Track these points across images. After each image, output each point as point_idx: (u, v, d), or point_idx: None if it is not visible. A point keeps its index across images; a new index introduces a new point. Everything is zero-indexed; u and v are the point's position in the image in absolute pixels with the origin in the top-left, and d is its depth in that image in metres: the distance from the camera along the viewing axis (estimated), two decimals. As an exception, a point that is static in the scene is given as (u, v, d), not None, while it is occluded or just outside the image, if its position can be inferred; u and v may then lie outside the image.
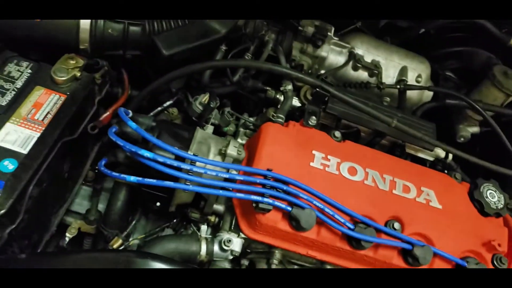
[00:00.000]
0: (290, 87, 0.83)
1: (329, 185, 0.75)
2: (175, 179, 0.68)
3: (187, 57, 0.84)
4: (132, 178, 0.66)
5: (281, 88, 0.84)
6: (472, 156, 0.89)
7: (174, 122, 0.87)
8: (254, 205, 0.70)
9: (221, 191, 0.68)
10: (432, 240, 0.77)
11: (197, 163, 0.69)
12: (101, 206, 0.92)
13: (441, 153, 0.98)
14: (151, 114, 0.88)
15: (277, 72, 0.78)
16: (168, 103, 0.89)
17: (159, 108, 0.88)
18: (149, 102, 0.94)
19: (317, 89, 0.78)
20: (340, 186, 0.76)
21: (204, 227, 0.78)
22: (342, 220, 0.71)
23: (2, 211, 0.61)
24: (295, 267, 0.85)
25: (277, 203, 0.70)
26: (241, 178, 0.70)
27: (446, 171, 0.91)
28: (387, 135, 0.91)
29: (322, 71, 1.05)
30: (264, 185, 0.70)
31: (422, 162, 0.96)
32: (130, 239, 0.88)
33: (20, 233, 0.68)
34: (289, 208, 0.70)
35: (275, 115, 0.79)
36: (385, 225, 0.75)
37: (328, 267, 0.81)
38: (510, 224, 0.87)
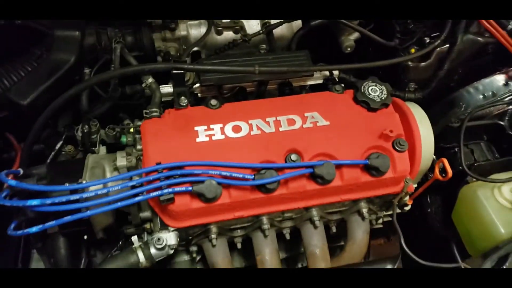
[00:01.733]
0: (150, 79, 0.86)
1: (221, 151, 0.79)
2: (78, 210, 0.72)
3: (52, 97, 0.85)
4: (34, 229, 0.69)
5: (143, 85, 0.86)
6: (346, 65, 0.95)
7: (69, 160, 0.89)
8: (160, 200, 0.74)
9: (119, 203, 0.71)
10: (332, 154, 0.82)
11: (91, 188, 0.73)
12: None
13: (327, 73, 1.03)
14: (48, 161, 0.90)
15: (130, 73, 0.81)
16: (58, 144, 0.91)
17: (53, 153, 0.90)
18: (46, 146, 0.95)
19: (172, 71, 0.81)
20: (231, 147, 0.80)
21: (134, 238, 0.82)
22: (241, 176, 0.76)
23: None
24: (238, 232, 0.90)
25: (176, 188, 0.74)
26: (133, 182, 0.74)
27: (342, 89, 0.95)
28: (266, 80, 0.95)
29: (195, 49, 1.08)
30: (159, 179, 0.74)
31: (318, 88, 1.01)
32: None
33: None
34: (190, 188, 0.74)
35: (147, 111, 0.82)
36: (285, 161, 0.80)
37: (264, 219, 0.86)
38: (399, 104, 0.92)
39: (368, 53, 1.22)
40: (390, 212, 1.04)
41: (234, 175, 0.76)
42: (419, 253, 0.90)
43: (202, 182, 0.75)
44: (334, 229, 0.96)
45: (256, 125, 0.82)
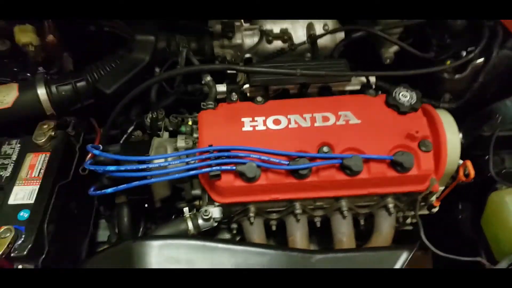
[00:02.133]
0: (208, 78, 1.02)
1: (262, 139, 0.93)
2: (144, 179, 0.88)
3: (129, 88, 1.04)
4: (109, 190, 0.86)
5: (202, 82, 1.02)
6: (380, 72, 1.05)
7: (139, 141, 1.07)
8: (209, 175, 0.89)
9: (176, 175, 0.87)
10: (361, 149, 0.93)
11: (155, 160, 0.89)
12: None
13: (363, 79, 1.13)
14: (121, 142, 1.08)
15: (192, 71, 0.98)
16: (130, 129, 1.09)
17: (125, 136, 1.09)
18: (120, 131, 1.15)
19: (227, 70, 0.96)
20: (271, 137, 0.93)
21: (186, 209, 0.97)
22: (277, 161, 0.89)
23: (29, 246, 0.83)
24: (274, 215, 1.02)
25: (223, 167, 0.88)
26: (189, 159, 0.89)
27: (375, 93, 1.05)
28: (307, 83, 1.08)
29: (247, 55, 1.24)
30: (210, 158, 0.89)
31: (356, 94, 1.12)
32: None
33: (52, 262, 0.89)
34: (234, 167, 0.88)
35: (204, 103, 0.98)
36: (317, 152, 0.92)
37: (297, 205, 0.98)
38: (429, 110, 1.01)
39: (406, 65, 1.31)
40: (419, 213, 1.11)
41: (272, 160, 0.89)
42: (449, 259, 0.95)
43: (244, 164, 0.88)
44: (362, 222, 1.05)
45: (294, 119, 0.95)
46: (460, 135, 1.01)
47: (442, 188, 1.05)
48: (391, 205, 1.00)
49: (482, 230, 1.10)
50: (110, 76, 1.03)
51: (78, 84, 1.04)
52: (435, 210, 1.09)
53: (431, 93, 1.21)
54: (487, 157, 1.09)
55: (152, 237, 0.87)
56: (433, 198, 1.04)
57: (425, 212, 1.11)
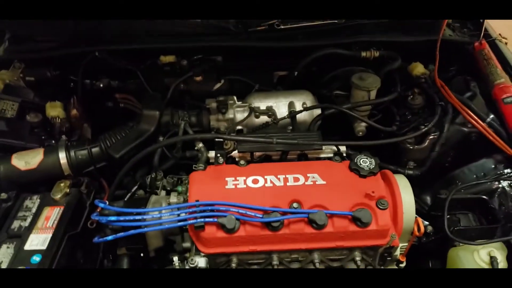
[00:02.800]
0: (200, 144, 1.22)
1: (242, 196, 1.09)
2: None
3: (134, 154, 1.25)
4: (109, 237, 1.02)
5: (195, 148, 1.23)
6: (344, 142, 1.25)
7: (139, 198, 1.25)
8: (194, 226, 1.05)
9: (167, 225, 1.03)
10: (325, 205, 1.08)
11: (150, 213, 1.06)
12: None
13: (335, 148, 1.32)
14: (125, 199, 1.26)
15: (187, 139, 1.19)
16: (134, 189, 1.28)
17: (129, 194, 1.27)
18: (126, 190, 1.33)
19: (216, 139, 1.17)
20: (249, 194, 1.10)
21: (175, 258, 1.11)
22: (253, 214, 1.05)
23: None
24: (255, 267, 1.15)
25: (206, 219, 1.04)
26: (178, 212, 1.06)
27: (340, 159, 1.24)
28: (286, 151, 1.27)
29: (239, 127, 1.45)
30: (196, 212, 1.06)
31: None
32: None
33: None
34: (215, 220, 1.04)
35: (196, 166, 1.17)
36: (289, 207, 1.08)
37: (274, 257, 1.11)
38: (387, 174, 1.17)
39: (377, 137, 1.50)
40: (388, 267, 1.22)
41: (248, 213, 1.05)
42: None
43: (225, 216, 1.04)
44: (334, 275, 1.17)
45: (270, 179, 1.12)
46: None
47: (405, 244, 1.18)
48: (358, 258, 1.12)
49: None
50: (120, 143, 1.25)
51: (93, 150, 1.25)
52: (402, 265, 1.20)
53: (397, 161, 1.40)
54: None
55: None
56: (397, 253, 1.16)
57: (394, 267, 1.22)
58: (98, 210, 1.12)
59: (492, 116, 1.30)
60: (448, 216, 1.21)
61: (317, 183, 1.12)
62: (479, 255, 1.10)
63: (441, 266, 1.29)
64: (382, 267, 1.19)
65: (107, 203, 1.14)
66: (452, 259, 1.15)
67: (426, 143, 1.35)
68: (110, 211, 1.10)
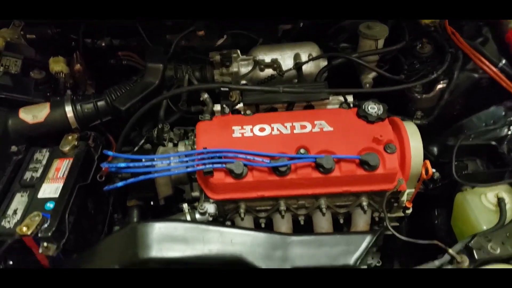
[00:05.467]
0: (206, 95, 1.21)
1: (249, 144, 1.09)
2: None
3: (140, 107, 1.24)
4: (119, 184, 1.04)
5: (201, 98, 1.22)
6: (354, 89, 1.23)
7: (147, 149, 1.25)
8: (203, 172, 1.06)
9: (176, 171, 1.04)
10: (332, 151, 1.08)
11: (160, 160, 1.07)
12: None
13: (342, 99, 1.31)
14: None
15: (192, 90, 1.18)
16: (141, 142, 1.28)
17: (136, 148, 1.27)
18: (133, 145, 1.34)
19: (221, 88, 1.16)
20: (257, 142, 1.10)
21: (185, 204, 1.13)
22: (260, 160, 1.05)
23: (53, 229, 1.00)
24: (262, 214, 1.17)
25: (215, 165, 1.05)
26: (187, 159, 1.07)
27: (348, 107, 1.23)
28: (293, 102, 1.26)
29: (243, 81, 1.44)
30: (204, 159, 1.06)
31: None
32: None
33: (71, 246, 1.05)
34: (224, 165, 1.05)
35: (202, 116, 1.17)
36: (296, 153, 1.08)
37: (282, 203, 1.12)
38: (395, 120, 1.16)
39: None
40: (394, 215, 1.24)
41: (256, 159, 1.05)
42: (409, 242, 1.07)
43: (232, 162, 1.05)
44: (341, 221, 1.18)
45: (277, 127, 1.12)
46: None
47: (412, 190, 1.18)
48: (365, 203, 1.13)
49: (453, 231, 1.21)
50: (125, 96, 1.24)
51: (99, 103, 1.25)
52: (409, 211, 1.21)
53: (404, 111, 1.38)
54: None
55: (154, 219, 1.02)
56: (404, 198, 1.17)
57: (400, 214, 1.23)
58: (109, 159, 1.13)
59: (504, 61, 1.26)
60: (456, 163, 1.20)
61: (324, 129, 1.12)
62: (486, 198, 1.10)
63: (447, 214, 1.30)
64: (389, 214, 1.20)
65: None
66: (459, 203, 1.15)
67: (435, 92, 1.33)
68: (120, 159, 1.11)
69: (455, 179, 1.14)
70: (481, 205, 1.11)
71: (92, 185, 1.19)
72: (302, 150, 1.08)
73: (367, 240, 0.97)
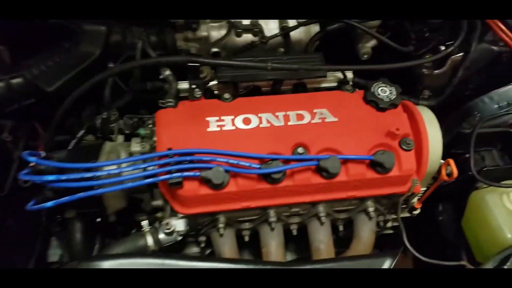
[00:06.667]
0: (167, 72, 0.90)
1: (230, 141, 0.82)
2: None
3: (76, 87, 0.91)
4: (48, 204, 0.73)
5: (160, 76, 0.91)
6: (359, 66, 0.97)
7: (88, 145, 0.94)
8: (168, 183, 0.78)
9: (129, 183, 0.75)
10: (338, 149, 0.84)
11: (105, 167, 0.77)
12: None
13: (340, 75, 1.05)
14: (68, 148, 0.95)
15: (149, 64, 0.86)
16: (80, 133, 0.96)
17: (74, 141, 0.95)
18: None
19: (188, 63, 0.85)
20: (240, 138, 0.83)
21: (144, 222, 0.85)
22: (247, 164, 0.79)
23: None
24: (246, 225, 0.92)
25: (185, 173, 0.77)
26: (145, 165, 0.77)
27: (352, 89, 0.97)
28: (280, 80, 0.98)
29: (214, 49, 1.13)
30: (169, 164, 0.78)
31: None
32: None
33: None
34: (198, 173, 0.77)
35: (163, 101, 0.86)
36: (292, 154, 0.83)
37: (271, 212, 0.88)
38: (409, 106, 0.94)
39: (384, 61, 1.24)
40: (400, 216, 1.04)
41: (241, 163, 0.79)
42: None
43: (210, 168, 0.78)
44: (341, 228, 0.97)
45: (266, 118, 0.85)
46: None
47: (423, 189, 0.99)
48: (371, 209, 0.92)
49: (463, 232, 1.05)
50: (53, 72, 0.90)
51: (14, 81, 0.90)
52: (416, 212, 1.02)
53: (410, 90, 1.15)
54: (467, 155, 1.03)
55: (102, 256, 0.74)
56: (415, 200, 0.98)
57: (406, 215, 1.04)
58: (30, 166, 0.81)
59: None
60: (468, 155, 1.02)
61: (326, 120, 0.87)
62: (508, 198, 0.94)
63: (454, 211, 1.14)
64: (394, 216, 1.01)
65: (43, 154, 0.83)
66: (476, 203, 0.99)
67: (447, 67, 1.11)
68: (48, 167, 0.79)
69: (475, 176, 0.96)
70: (502, 206, 0.95)
71: (12, 195, 0.88)
72: (300, 149, 0.83)
73: (386, 265, 0.76)
